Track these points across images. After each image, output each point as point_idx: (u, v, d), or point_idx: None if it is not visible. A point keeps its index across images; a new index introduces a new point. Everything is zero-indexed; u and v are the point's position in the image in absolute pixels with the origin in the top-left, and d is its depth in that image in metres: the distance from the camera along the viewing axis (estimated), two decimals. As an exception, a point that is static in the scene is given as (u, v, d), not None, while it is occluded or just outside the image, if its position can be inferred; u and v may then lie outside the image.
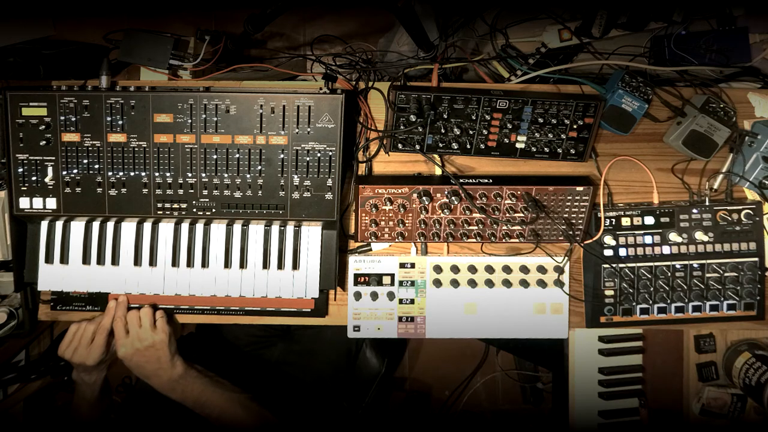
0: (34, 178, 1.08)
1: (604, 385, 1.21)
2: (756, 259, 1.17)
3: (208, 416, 1.15)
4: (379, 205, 1.10)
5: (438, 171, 1.17)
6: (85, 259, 1.12)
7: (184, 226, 1.14)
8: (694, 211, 1.16)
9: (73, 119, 1.06)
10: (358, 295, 1.16)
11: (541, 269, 1.17)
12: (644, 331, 1.22)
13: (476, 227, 1.13)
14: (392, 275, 1.17)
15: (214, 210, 1.10)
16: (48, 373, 1.51)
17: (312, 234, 1.13)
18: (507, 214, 1.12)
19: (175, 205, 1.10)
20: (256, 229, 1.14)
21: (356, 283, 1.16)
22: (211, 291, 1.13)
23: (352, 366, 1.54)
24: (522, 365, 2.22)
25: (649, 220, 1.16)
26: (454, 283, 1.17)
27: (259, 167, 1.08)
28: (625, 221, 1.16)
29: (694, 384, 1.22)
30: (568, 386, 1.23)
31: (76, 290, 1.14)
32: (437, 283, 1.17)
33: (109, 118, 1.06)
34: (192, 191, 1.09)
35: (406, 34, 1.46)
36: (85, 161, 1.07)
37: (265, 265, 1.14)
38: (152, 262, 1.13)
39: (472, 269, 1.17)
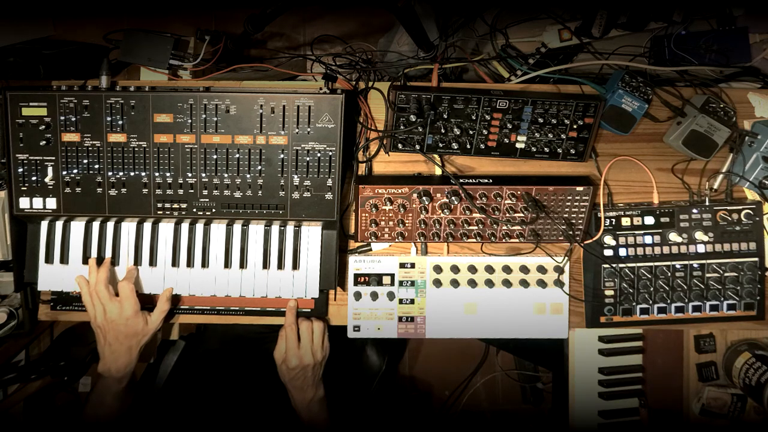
0: (34, 178, 1.08)
1: (604, 385, 1.21)
2: (756, 259, 1.17)
3: None
4: (379, 205, 1.10)
5: (438, 171, 1.17)
6: (85, 260, 1.12)
7: (184, 226, 1.14)
8: (694, 211, 1.16)
9: (73, 119, 1.06)
10: (358, 295, 1.16)
11: (541, 269, 1.17)
12: (644, 331, 1.22)
13: (476, 227, 1.13)
14: (392, 275, 1.17)
15: (214, 210, 1.10)
16: (48, 373, 1.51)
17: (312, 234, 1.13)
18: (507, 214, 1.12)
19: (175, 205, 1.10)
20: (256, 229, 1.14)
21: (356, 283, 1.16)
22: (211, 291, 1.13)
23: (353, 363, 1.55)
24: (522, 365, 2.22)
25: (649, 220, 1.16)
26: (454, 283, 1.17)
27: (259, 167, 1.08)
28: (625, 221, 1.16)
29: (694, 384, 1.22)
30: (568, 386, 1.22)
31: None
32: (437, 283, 1.17)
33: (109, 118, 1.06)
34: (192, 191, 1.09)
35: (406, 34, 1.46)
36: (85, 161, 1.07)
37: (265, 265, 1.14)
38: (152, 262, 1.13)
39: (472, 269, 1.17)
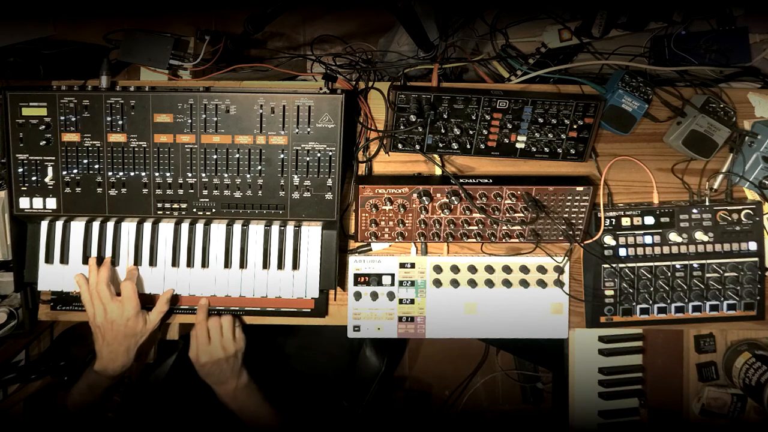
0: (34, 178, 1.08)
1: (604, 385, 1.21)
2: (756, 259, 1.17)
3: (254, 429, 1.17)
4: (379, 205, 1.10)
5: (438, 171, 1.17)
6: (85, 260, 1.12)
7: (184, 226, 1.13)
8: (694, 211, 1.16)
9: (73, 119, 1.06)
10: (358, 295, 1.16)
11: (541, 269, 1.17)
12: (644, 331, 1.22)
13: (476, 227, 1.13)
14: (392, 275, 1.17)
15: (214, 210, 1.10)
16: (48, 373, 1.51)
17: (312, 234, 1.13)
18: (507, 214, 1.12)
19: (175, 205, 1.10)
20: (256, 229, 1.14)
21: (356, 283, 1.16)
22: (210, 291, 1.13)
23: (352, 364, 1.54)
24: (522, 365, 2.22)
25: (649, 220, 1.16)
26: (454, 283, 1.17)
27: (259, 167, 1.08)
28: (625, 221, 1.16)
29: (694, 384, 1.22)
30: (568, 386, 1.23)
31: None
32: (437, 283, 1.17)
33: (109, 118, 1.06)
34: (192, 191, 1.09)
35: (406, 34, 1.46)
36: (85, 161, 1.07)
37: (265, 265, 1.14)
38: (152, 262, 1.13)
39: (472, 269, 1.17)
